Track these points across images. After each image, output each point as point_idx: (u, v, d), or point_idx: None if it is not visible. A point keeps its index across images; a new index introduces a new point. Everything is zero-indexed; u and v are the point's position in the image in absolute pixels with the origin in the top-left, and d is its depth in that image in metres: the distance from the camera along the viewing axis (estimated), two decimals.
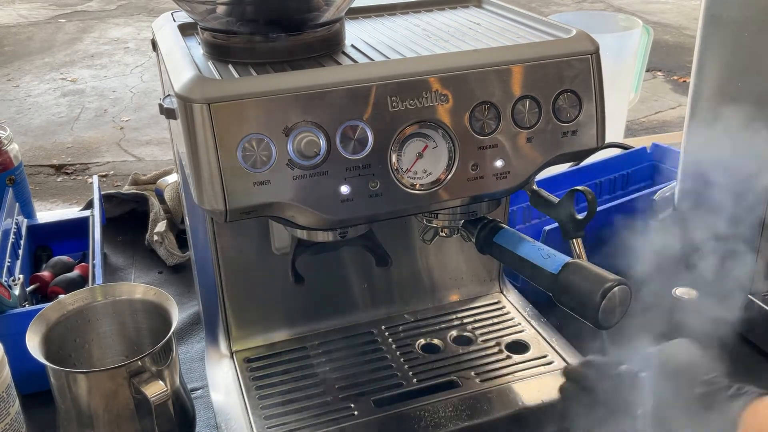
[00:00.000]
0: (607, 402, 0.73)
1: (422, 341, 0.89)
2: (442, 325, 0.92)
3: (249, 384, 0.82)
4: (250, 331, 0.89)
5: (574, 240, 0.76)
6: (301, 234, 0.75)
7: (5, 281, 0.90)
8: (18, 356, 0.73)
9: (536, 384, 0.82)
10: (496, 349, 0.87)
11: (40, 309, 0.77)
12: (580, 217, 0.75)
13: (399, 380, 0.82)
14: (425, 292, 0.96)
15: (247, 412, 0.78)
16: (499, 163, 0.68)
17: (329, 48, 0.71)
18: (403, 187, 0.66)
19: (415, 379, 0.82)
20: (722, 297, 0.98)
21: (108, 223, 1.24)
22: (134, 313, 0.81)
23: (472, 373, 0.83)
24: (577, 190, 0.74)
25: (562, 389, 0.79)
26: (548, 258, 0.68)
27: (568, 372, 0.81)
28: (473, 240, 0.76)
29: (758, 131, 0.88)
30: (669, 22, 5.66)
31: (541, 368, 0.84)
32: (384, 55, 0.70)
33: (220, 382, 0.84)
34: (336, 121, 0.62)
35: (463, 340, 0.90)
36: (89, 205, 1.21)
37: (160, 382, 0.70)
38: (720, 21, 0.91)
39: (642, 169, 1.24)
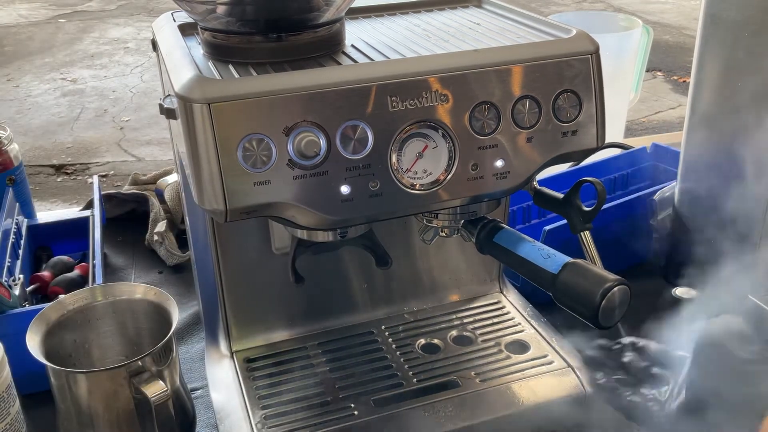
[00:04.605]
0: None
1: (422, 341, 0.89)
2: (442, 325, 0.92)
3: (249, 384, 0.82)
4: (250, 331, 0.89)
5: (582, 234, 0.76)
6: (301, 234, 0.75)
7: (5, 281, 0.90)
8: (18, 356, 0.73)
9: (536, 384, 0.82)
10: (496, 349, 0.87)
11: (40, 309, 0.77)
12: (587, 209, 0.75)
13: (399, 380, 0.82)
14: (425, 292, 0.96)
15: (247, 413, 0.78)
16: (499, 163, 0.68)
17: (329, 48, 0.71)
18: (403, 187, 0.66)
19: (415, 379, 0.82)
20: (722, 297, 0.98)
21: (108, 223, 1.24)
22: (134, 313, 0.81)
23: (472, 373, 0.83)
24: (584, 181, 0.75)
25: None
26: (548, 258, 0.68)
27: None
28: (473, 240, 0.76)
29: (758, 131, 0.88)
30: (669, 22, 5.66)
31: (541, 368, 0.84)
32: (384, 55, 0.70)
33: (220, 382, 0.84)
34: (336, 121, 0.62)
35: (463, 340, 0.90)
36: (89, 205, 1.21)
37: (161, 382, 0.70)
38: (720, 21, 0.91)
39: (642, 169, 1.24)
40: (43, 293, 1.02)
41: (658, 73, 4.64)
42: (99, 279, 0.94)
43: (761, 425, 0.63)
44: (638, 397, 0.72)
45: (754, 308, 0.93)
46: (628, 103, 1.55)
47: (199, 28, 0.73)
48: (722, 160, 0.95)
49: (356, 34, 0.78)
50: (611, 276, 0.64)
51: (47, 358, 0.71)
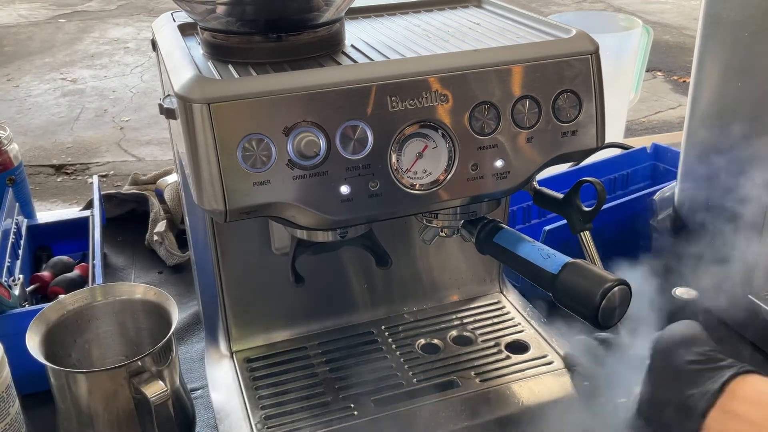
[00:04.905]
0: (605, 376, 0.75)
1: (422, 341, 0.89)
2: (442, 325, 0.92)
3: (249, 384, 0.82)
4: (250, 331, 0.89)
5: (582, 234, 0.76)
6: (301, 234, 0.75)
7: (5, 281, 0.90)
8: (18, 356, 0.73)
9: (536, 384, 0.82)
10: (495, 349, 0.87)
11: (40, 309, 0.77)
12: (587, 209, 0.75)
13: (399, 380, 0.82)
14: (425, 292, 0.96)
15: (247, 412, 0.78)
16: (499, 163, 0.68)
17: (329, 48, 0.71)
18: (402, 187, 0.66)
19: (415, 379, 0.82)
20: (722, 297, 0.98)
21: (108, 223, 1.24)
22: (134, 313, 0.81)
23: (472, 373, 0.83)
24: (584, 181, 0.75)
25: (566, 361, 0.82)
26: (548, 258, 0.68)
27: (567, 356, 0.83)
28: (473, 240, 0.76)
29: (758, 131, 0.88)
30: (669, 22, 5.67)
31: (541, 368, 0.84)
32: (384, 55, 0.70)
33: (220, 382, 0.84)
34: (336, 121, 0.62)
35: (463, 340, 0.90)
36: (89, 205, 1.21)
37: (160, 382, 0.70)
38: (720, 21, 0.91)
39: (642, 169, 1.24)
40: (43, 293, 1.02)
41: (658, 73, 4.64)
42: (99, 279, 0.94)
43: (702, 426, 0.63)
44: (598, 402, 0.74)
45: (752, 308, 0.93)
46: (628, 103, 1.55)
47: (198, 28, 0.73)
48: (722, 160, 0.95)
49: (356, 34, 0.78)
50: (611, 276, 0.64)
51: (47, 358, 0.71)
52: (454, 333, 0.91)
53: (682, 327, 0.72)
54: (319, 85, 0.62)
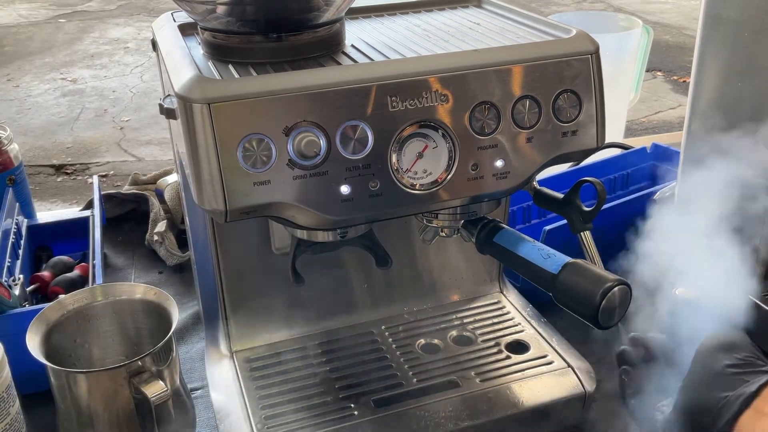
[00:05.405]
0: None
1: (422, 341, 0.89)
2: (442, 325, 0.92)
3: (249, 384, 0.82)
4: (250, 331, 0.89)
5: (582, 234, 0.76)
6: (301, 234, 0.75)
7: (5, 281, 0.90)
8: (18, 356, 0.73)
9: (536, 384, 0.82)
10: (496, 349, 0.87)
11: (40, 309, 0.77)
12: (587, 209, 0.75)
13: (399, 380, 0.82)
14: (425, 292, 0.96)
15: (247, 412, 0.78)
16: (499, 163, 0.68)
17: (329, 48, 0.71)
18: (403, 187, 0.66)
19: (415, 379, 0.82)
20: (722, 297, 0.98)
21: (108, 223, 1.24)
22: (134, 313, 0.81)
23: (472, 373, 0.83)
24: (584, 181, 0.75)
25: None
26: (548, 258, 0.68)
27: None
28: (473, 240, 0.76)
29: (758, 131, 0.88)
30: (669, 22, 5.67)
31: (541, 368, 0.84)
32: (384, 55, 0.70)
33: (220, 382, 0.84)
34: (336, 121, 0.62)
35: (463, 340, 0.90)
36: (89, 205, 1.21)
37: (160, 382, 0.70)
38: (720, 21, 0.91)
39: (642, 169, 1.24)
40: (43, 293, 1.02)
41: (658, 73, 4.64)
42: (99, 279, 0.94)
43: (735, 425, 0.63)
44: (640, 402, 0.74)
45: (753, 308, 0.93)
46: (628, 103, 1.55)
47: (199, 28, 0.73)
48: (722, 160, 0.95)
49: (356, 34, 0.78)
50: (611, 276, 0.64)
51: (47, 358, 0.71)
52: (454, 333, 0.91)
53: (724, 333, 0.72)
54: (320, 85, 0.62)
